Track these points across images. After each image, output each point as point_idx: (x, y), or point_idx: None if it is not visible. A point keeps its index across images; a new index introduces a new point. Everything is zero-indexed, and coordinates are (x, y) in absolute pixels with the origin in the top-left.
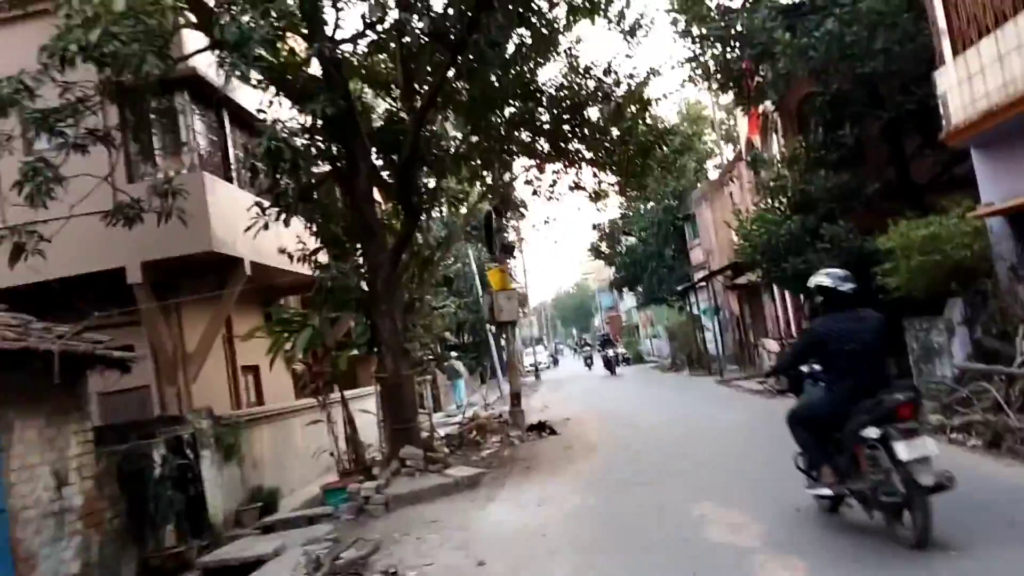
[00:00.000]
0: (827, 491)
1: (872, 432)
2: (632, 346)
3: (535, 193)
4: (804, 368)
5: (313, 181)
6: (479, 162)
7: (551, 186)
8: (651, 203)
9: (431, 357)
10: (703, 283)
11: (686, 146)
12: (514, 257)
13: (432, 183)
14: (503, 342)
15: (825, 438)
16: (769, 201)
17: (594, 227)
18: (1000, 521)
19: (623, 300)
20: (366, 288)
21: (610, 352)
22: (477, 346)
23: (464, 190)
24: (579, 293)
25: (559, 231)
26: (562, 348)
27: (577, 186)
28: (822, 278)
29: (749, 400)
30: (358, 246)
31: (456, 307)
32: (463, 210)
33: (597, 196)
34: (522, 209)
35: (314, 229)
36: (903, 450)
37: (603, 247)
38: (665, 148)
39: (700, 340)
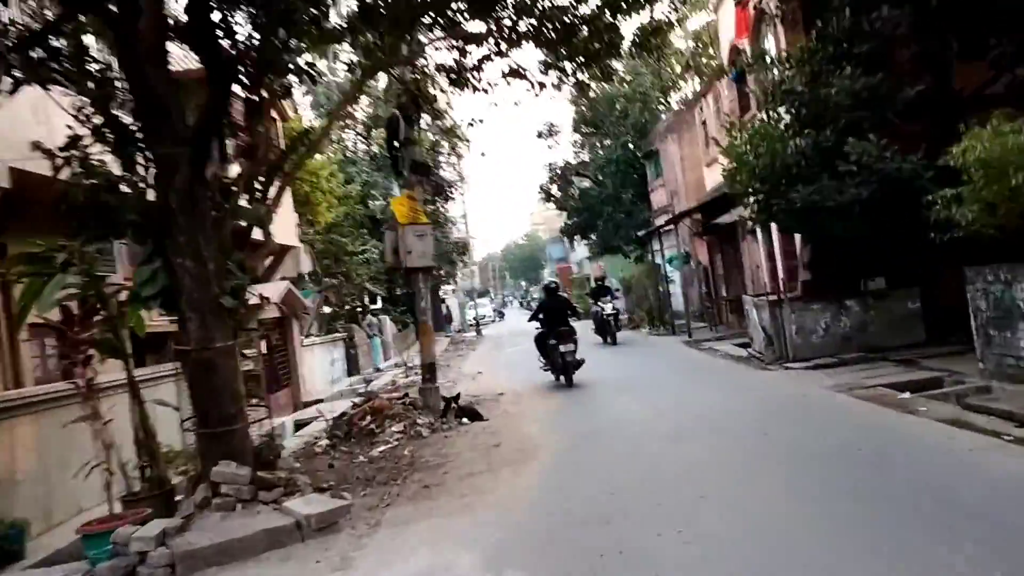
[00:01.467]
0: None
1: (553, 340)
2: (584, 300)
3: (456, 82)
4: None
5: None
6: (369, 35)
7: (474, 69)
8: (607, 140)
9: (347, 309)
10: (668, 227)
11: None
12: (450, 196)
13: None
14: (423, 295)
15: (543, 346)
16: (767, 115)
17: (546, 168)
18: None
19: (574, 250)
20: (153, 203)
21: (606, 308)
22: (410, 298)
23: (357, 70)
24: (529, 244)
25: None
26: (511, 300)
27: (515, 72)
28: (548, 281)
29: (733, 370)
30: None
31: (381, 252)
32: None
33: (542, 87)
34: (442, 108)
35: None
36: (561, 347)
37: (554, 190)
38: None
39: (662, 294)
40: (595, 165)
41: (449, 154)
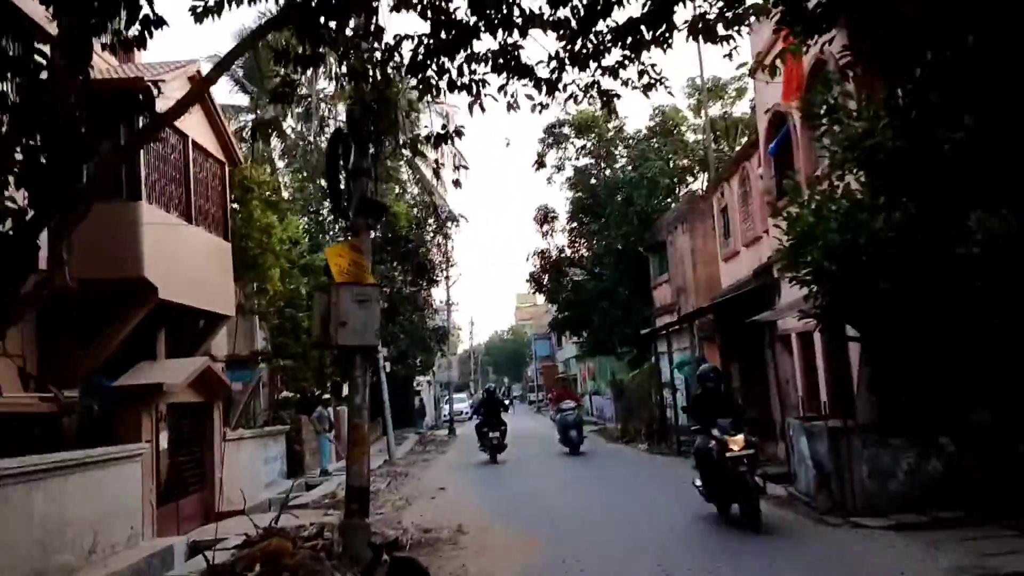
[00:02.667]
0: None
1: (486, 428)
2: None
3: (427, 86)
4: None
5: None
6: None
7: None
8: (607, 231)
9: (299, 397)
10: (679, 326)
11: None
12: (435, 279)
13: None
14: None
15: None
16: (838, 181)
17: (537, 256)
18: None
19: (561, 348)
20: None
21: (568, 415)
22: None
23: None
24: (514, 340)
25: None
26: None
27: (509, 64)
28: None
29: (775, 523)
30: None
31: None
32: None
33: (550, 87)
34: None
35: None
36: (491, 433)
37: (545, 280)
38: None
39: (665, 404)
40: (592, 256)
41: (435, 232)
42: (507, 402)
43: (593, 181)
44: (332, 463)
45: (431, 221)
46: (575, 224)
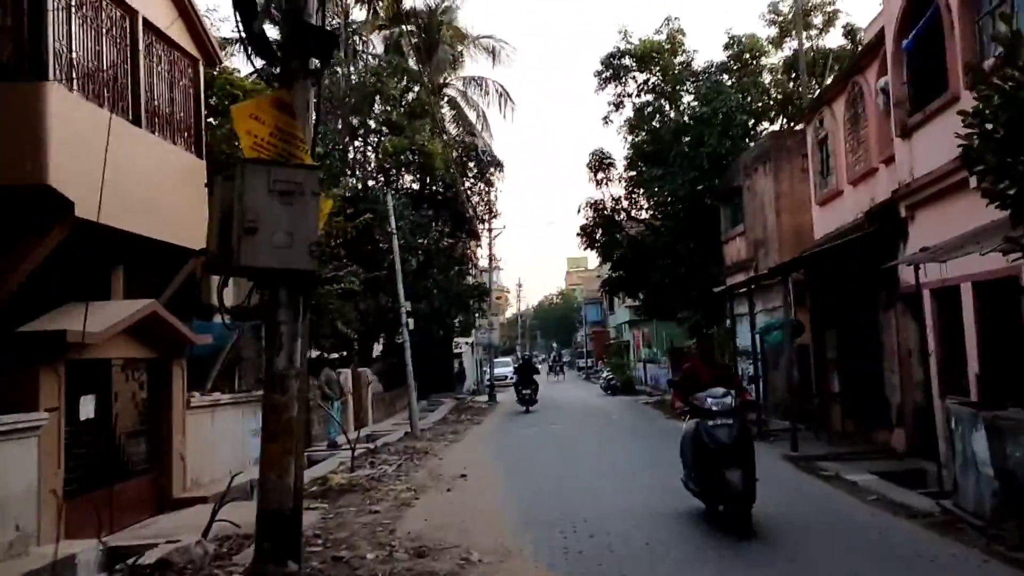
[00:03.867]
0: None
1: (522, 386)
2: (622, 370)
3: None
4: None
5: None
6: None
7: None
8: (670, 177)
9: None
10: (771, 280)
11: None
12: (476, 231)
13: None
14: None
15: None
16: None
17: (590, 207)
18: None
19: (613, 313)
20: None
21: (720, 427)
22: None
23: None
24: (563, 304)
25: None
26: (540, 359)
27: None
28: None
29: (934, 556)
30: None
31: (359, 282)
32: None
33: None
34: None
35: None
36: (525, 390)
37: (598, 235)
38: None
39: (744, 375)
40: (652, 207)
41: (476, 178)
42: (559, 368)
43: (656, 124)
44: (342, 434)
45: (472, 165)
46: (633, 172)
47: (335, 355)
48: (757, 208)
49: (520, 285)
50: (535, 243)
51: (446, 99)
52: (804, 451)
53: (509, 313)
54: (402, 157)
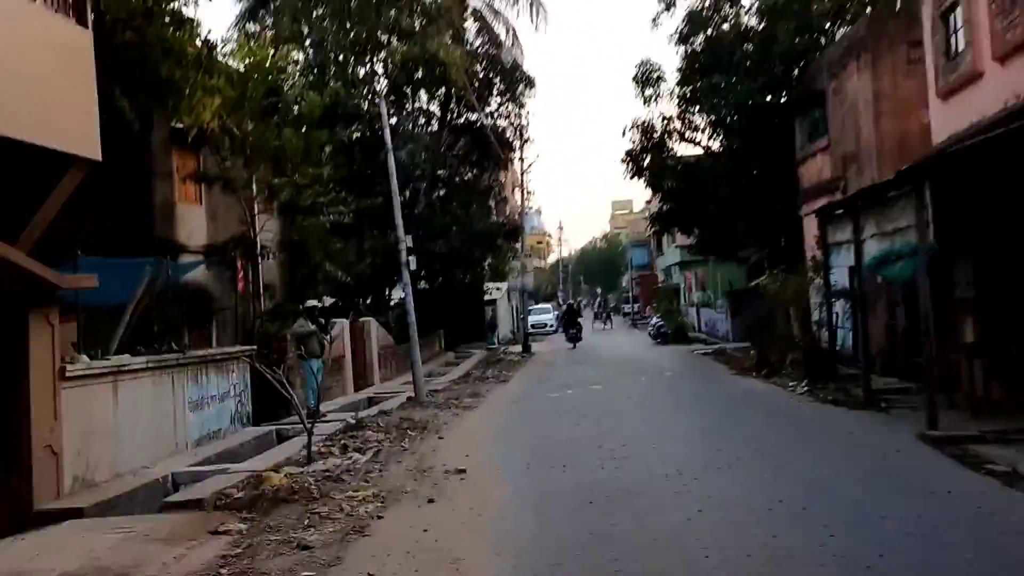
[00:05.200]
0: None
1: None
2: (673, 317)
3: None
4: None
5: None
6: None
7: None
8: (730, 86)
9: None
10: (893, 191)
11: None
12: (504, 157)
13: None
14: None
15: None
16: None
17: (636, 128)
18: None
19: (661, 254)
20: None
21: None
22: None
23: None
24: (608, 249)
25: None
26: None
27: None
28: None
29: None
30: None
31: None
32: None
33: None
34: None
35: None
36: (571, 330)
37: (646, 161)
38: None
39: (833, 325)
40: (710, 126)
41: (503, 97)
42: (605, 314)
43: (712, 31)
44: (316, 400)
45: (498, 82)
46: (687, 88)
47: (313, 301)
48: (846, 115)
49: (561, 228)
50: (577, 186)
51: (470, 9)
52: (946, 427)
53: (552, 259)
54: (415, 71)
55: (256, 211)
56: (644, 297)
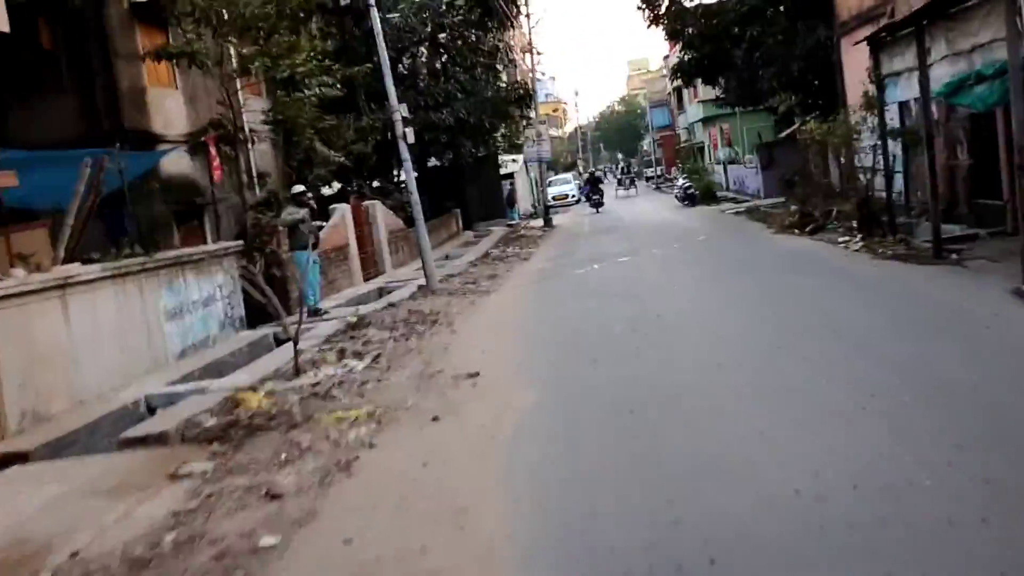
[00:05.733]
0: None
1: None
2: (699, 176)
3: None
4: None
5: None
6: None
7: None
8: None
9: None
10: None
11: None
12: (508, 15)
13: None
14: None
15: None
16: None
17: None
18: None
19: (683, 111)
20: None
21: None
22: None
23: None
24: (626, 112)
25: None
26: (607, 175)
27: None
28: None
29: None
30: None
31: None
32: None
33: None
34: None
35: None
36: (594, 196)
37: (663, 5)
38: None
39: (889, 171)
40: None
41: None
42: (628, 180)
43: None
44: (316, 295)
45: None
46: None
47: (298, 186)
48: None
49: (577, 94)
50: (591, 48)
51: None
52: None
53: (569, 127)
54: None
55: (239, 89)
56: (667, 159)
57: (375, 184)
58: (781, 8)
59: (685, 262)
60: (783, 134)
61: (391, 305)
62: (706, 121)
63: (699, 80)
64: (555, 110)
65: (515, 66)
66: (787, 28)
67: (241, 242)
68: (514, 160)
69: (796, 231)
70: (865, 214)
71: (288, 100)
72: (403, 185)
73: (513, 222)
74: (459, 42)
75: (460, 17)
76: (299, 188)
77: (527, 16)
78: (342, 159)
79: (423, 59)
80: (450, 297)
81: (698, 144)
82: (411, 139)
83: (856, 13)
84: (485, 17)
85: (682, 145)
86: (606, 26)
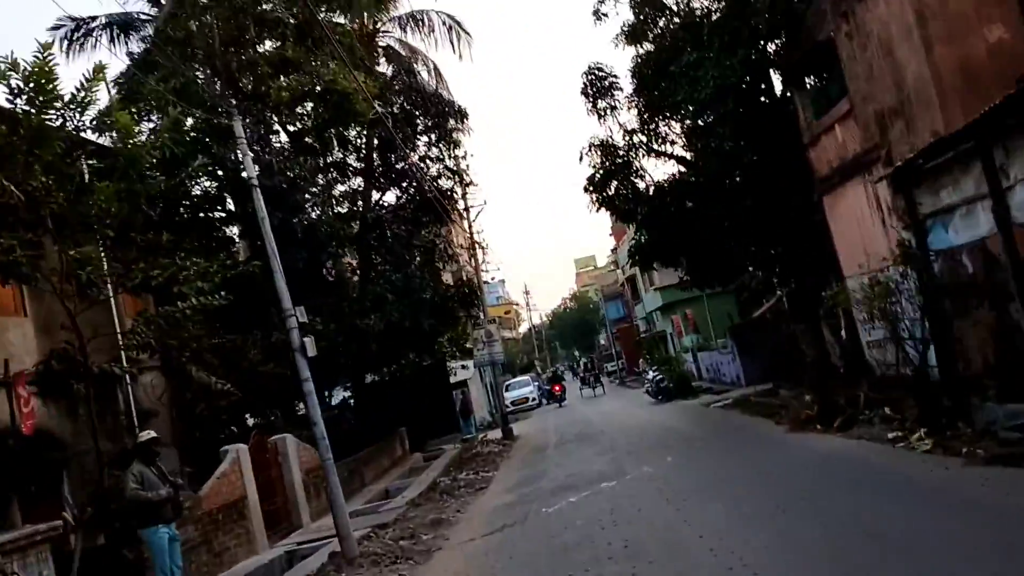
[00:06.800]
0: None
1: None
2: (672, 367)
3: None
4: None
5: None
6: None
7: None
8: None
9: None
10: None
11: None
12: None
13: None
14: None
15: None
16: None
17: (596, 148)
18: None
19: (639, 301)
20: None
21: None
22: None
23: None
24: (578, 308)
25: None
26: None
27: None
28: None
29: None
30: None
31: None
32: None
33: None
34: None
35: None
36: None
37: (611, 186)
38: None
39: (924, 341)
40: (684, 130)
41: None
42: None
43: (663, 24)
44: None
45: (423, 118)
46: (646, 94)
47: (145, 433)
48: (871, 60)
49: (527, 293)
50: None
51: (381, 50)
52: None
53: (523, 328)
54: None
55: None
56: (627, 351)
57: (298, 412)
58: (748, 176)
59: (696, 488)
60: (757, 313)
61: None
62: (666, 308)
63: (657, 264)
64: (507, 312)
65: (457, 262)
66: (758, 193)
67: (59, 523)
68: (464, 367)
69: (818, 427)
70: (925, 399)
71: (151, 316)
72: (334, 407)
73: (470, 435)
74: (390, 240)
75: (390, 213)
76: (147, 436)
77: (466, 210)
78: (226, 387)
79: (349, 261)
80: (373, 569)
81: (659, 333)
82: (312, 351)
83: (840, 162)
84: (419, 212)
85: (642, 336)
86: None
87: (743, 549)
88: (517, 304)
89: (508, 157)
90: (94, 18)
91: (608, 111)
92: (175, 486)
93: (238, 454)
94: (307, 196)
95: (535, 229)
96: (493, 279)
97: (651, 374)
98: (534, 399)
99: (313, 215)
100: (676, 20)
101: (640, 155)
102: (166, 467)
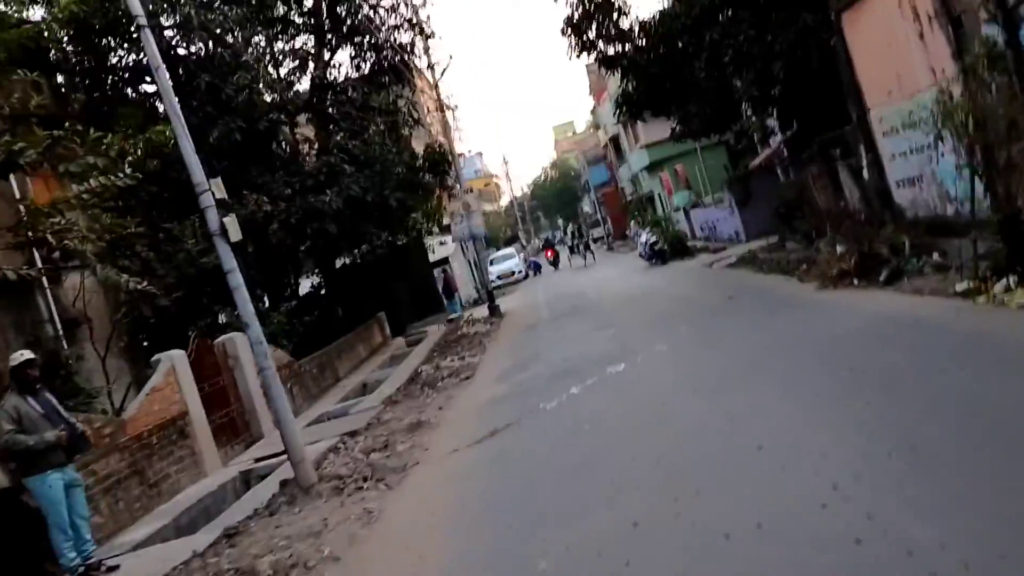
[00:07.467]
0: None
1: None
2: (665, 228)
3: None
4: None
5: None
6: None
7: None
8: None
9: None
10: None
11: None
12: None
13: None
14: None
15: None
16: None
17: None
18: None
19: (623, 161)
20: None
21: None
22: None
23: None
24: (560, 176)
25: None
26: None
27: None
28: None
29: None
30: None
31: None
32: None
33: None
34: None
35: None
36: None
37: (591, 28)
38: None
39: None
40: None
41: None
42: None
43: None
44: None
45: None
46: None
47: (23, 352)
48: None
49: (506, 163)
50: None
51: None
52: None
53: (504, 201)
54: None
55: None
56: (613, 216)
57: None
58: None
59: (730, 370)
60: (753, 163)
61: (227, 534)
62: (653, 167)
63: (647, 113)
64: (487, 184)
65: (424, 127)
66: (759, 22)
67: None
68: (442, 243)
69: (856, 282)
70: (1017, 241)
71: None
72: (300, 299)
73: (456, 314)
74: (344, 104)
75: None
76: (22, 356)
77: (430, 67)
78: (141, 285)
79: (303, 133)
80: (333, 499)
81: (647, 194)
82: (237, 236)
83: None
84: (376, 71)
85: (628, 199)
86: (526, 95)
87: (831, 468)
88: (496, 176)
89: (475, 19)
90: None
91: None
92: (69, 423)
93: (172, 362)
94: (239, 55)
95: (511, 99)
96: (470, 151)
97: (643, 237)
98: (520, 272)
99: (248, 77)
100: None
101: None
102: (91, 385)
